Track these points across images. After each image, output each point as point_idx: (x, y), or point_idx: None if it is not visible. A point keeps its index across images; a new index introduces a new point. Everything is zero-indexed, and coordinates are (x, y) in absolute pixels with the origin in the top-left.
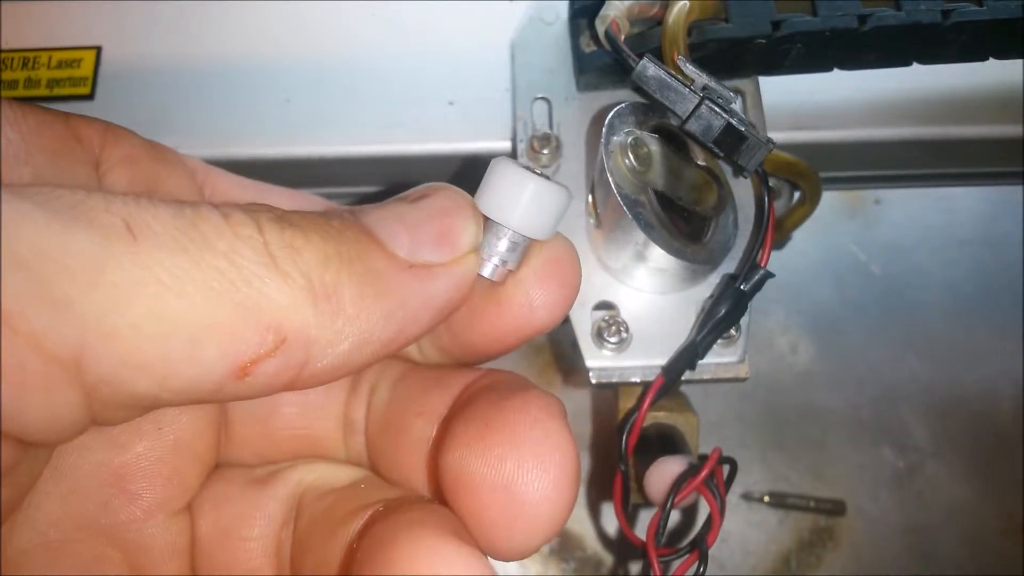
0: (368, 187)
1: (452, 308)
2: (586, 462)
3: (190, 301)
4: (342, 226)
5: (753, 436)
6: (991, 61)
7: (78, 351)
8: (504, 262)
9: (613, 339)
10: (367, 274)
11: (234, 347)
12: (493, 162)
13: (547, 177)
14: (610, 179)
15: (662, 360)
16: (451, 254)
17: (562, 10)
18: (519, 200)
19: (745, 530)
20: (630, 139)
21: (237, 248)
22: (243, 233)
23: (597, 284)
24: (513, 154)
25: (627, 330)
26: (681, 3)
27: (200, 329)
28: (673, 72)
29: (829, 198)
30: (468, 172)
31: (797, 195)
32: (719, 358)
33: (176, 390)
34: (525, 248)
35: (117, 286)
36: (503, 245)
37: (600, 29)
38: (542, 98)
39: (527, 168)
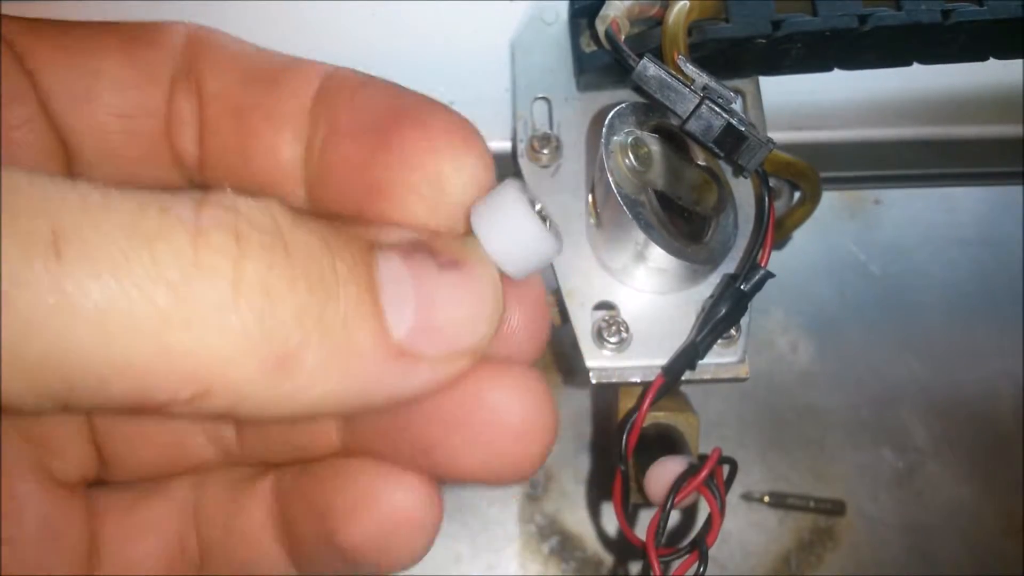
0: None
1: (419, 399)
2: (586, 462)
3: (106, 338)
4: (347, 275)
5: (753, 436)
6: (991, 61)
7: None
8: None
9: (613, 339)
10: (345, 349)
11: (144, 392)
12: (506, 183)
13: (547, 218)
14: (610, 179)
15: (662, 360)
16: (449, 352)
17: (562, 10)
18: (507, 227)
19: (745, 530)
20: (630, 139)
21: (193, 282)
22: (208, 263)
23: (597, 284)
24: (513, 154)
25: (627, 330)
26: (681, 3)
27: (109, 369)
28: (673, 72)
29: (829, 198)
30: None
31: (797, 195)
32: (719, 358)
33: (82, 408)
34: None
35: (26, 313)
36: None
37: (600, 29)
38: (542, 98)
39: (533, 202)
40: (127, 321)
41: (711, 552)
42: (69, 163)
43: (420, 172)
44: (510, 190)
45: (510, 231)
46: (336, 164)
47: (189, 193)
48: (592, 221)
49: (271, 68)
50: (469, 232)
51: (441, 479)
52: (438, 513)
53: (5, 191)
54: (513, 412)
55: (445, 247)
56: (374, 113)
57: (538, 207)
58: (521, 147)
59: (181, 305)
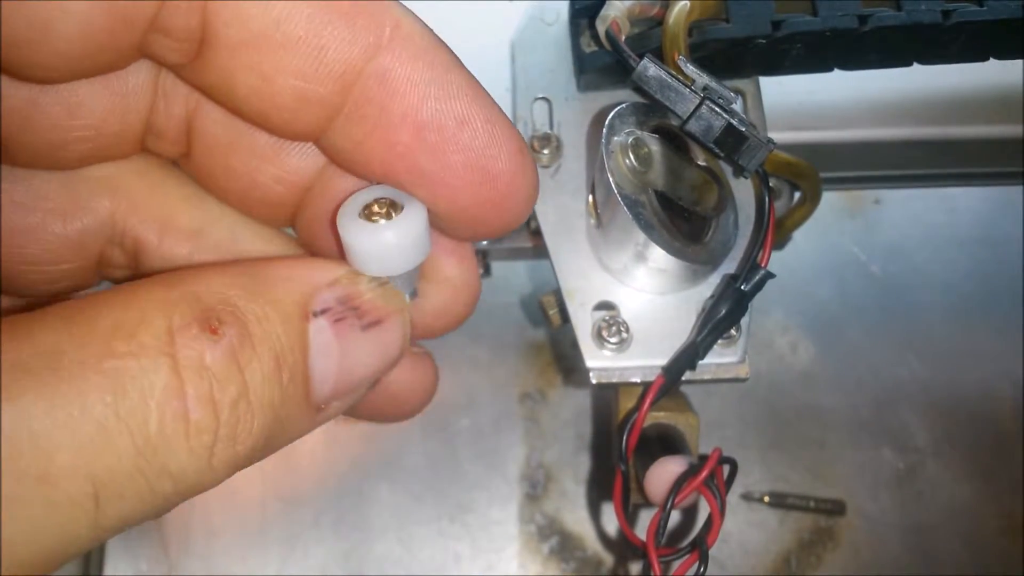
0: None
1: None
2: (586, 462)
3: (120, 528)
4: (289, 381)
5: (753, 436)
6: (991, 61)
7: None
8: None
9: (613, 339)
10: (273, 420)
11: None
12: (338, 222)
13: (391, 211)
14: (610, 179)
15: (662, 360)
16: (357, 391)
17: (562, 10)
18: (369, 253)
19: (745, 530)
20: (630, 139)
21: (186, 470)
22: (197, 447)
23: (597, 284)
24: None
25: (627, 330)
26: (681, 3)
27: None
28: (673, 72)
29: (829, 198)
30: None
31: (797, 195)
32: (719, 358)
33: None
34: (413, 276)
35: (76, 549)
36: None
37: (601, 29)
38: (542, 98)
39: (364, 219)
40: (139, 519)
41: (711, 552)
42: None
43: (470, 211)
44: (342, 225)
45: (369, 254)
46: (378, 168)
47: (157, 357)
48: (592, 221)
49: (311, 27)
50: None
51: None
52: None
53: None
54: (404, 384)
55: (370, 305)
56: (440, 142)
57: (374, 207)
58: None
59: (179, 488)
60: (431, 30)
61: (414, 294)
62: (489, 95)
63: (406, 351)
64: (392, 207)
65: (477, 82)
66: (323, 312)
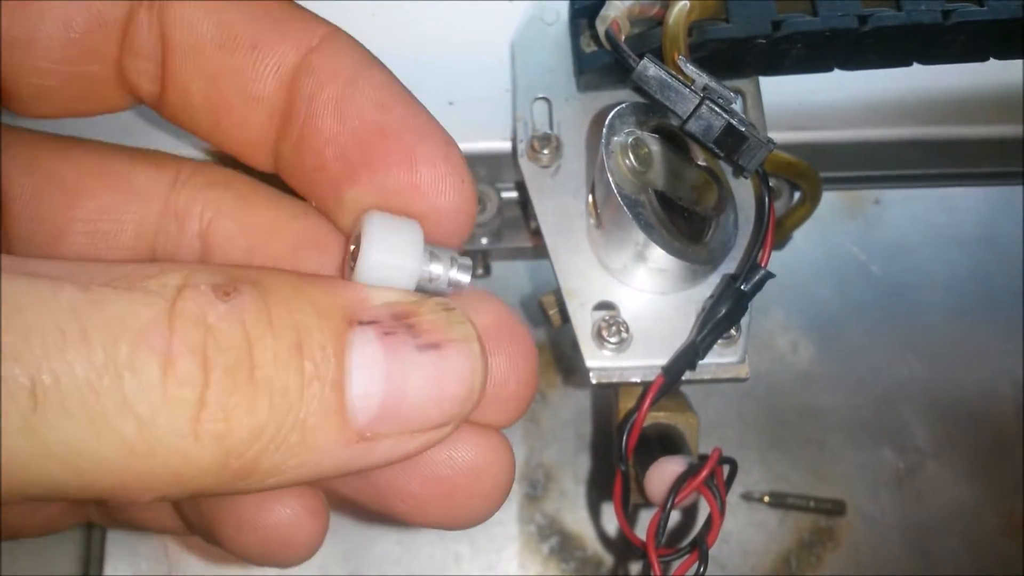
0: None
1: (381, 469)
2: (586, 462)
3: (76, 472)
4: (313, 374)
5: (753, 436)
6: (991, 61)
7: None
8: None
9: (613, 339)
10: (304, 447)
11: (109, 497)
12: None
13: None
14: (610, 179)
15: (662, 360)
16: (412, 430)
17: (562, 10)
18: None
19: (745, 530)
20: (630, 139)
21: (159, 415)
22: (174, 395)
23: (597, 284)
24: (513, 154)
25: (627, 330)
26: (681, 3)
27: (77, 489)
28: (673, 72)
29: (829, 198)
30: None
31: (797, 195)
32: (719, 358)
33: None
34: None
35: (11, 457)
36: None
37: (600, 29)
38: (542, 98)
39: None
40: (97, 456)
41: (711, 552)
42: None
43: (398, 199)
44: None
45: (384, 266)
46: (312, 160)
47: (158, 298)
48: (592, 221)
49: (251, 24)
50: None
51: (387, 516)
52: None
53: None
54: (473, 468)
55: (429, 324)
56: (361, 127)
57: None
58: (521, 147)
59: (147, 437)
60: (356, 40)
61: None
62: (408, 91)
63: (477, 397)
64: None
65: (398, 80)
66: (371, 323)
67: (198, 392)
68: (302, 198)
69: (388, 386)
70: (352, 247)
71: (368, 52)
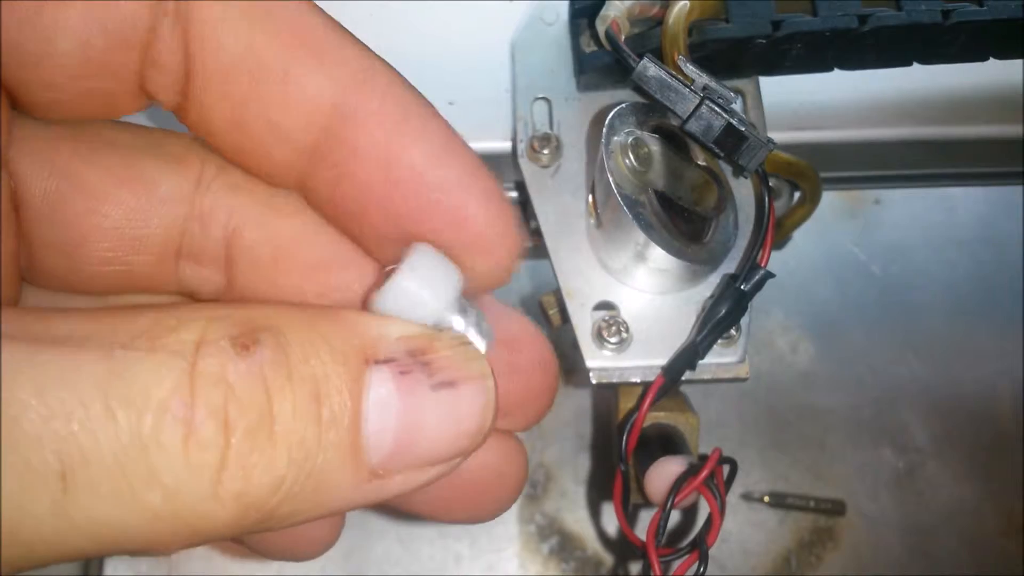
0: None
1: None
2: (586, 462)
3: (101, 546)
4: (331, 420)
5: (753, 436)
6: (991, 61)
7: None
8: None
9: (613, 339)
10: (317, 492)
11: (133, 554)
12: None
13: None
14: (610, 179)
15: (662, 360)
16: (424, 465)
17: (562, 10)
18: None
19: (745, 530)
20: (630, 139)
21: (182, 484)
22: (197, 461)
23: (597, 284)
24: (513, 154)
25: (627, 330)
26: (681, 3)
27: (101, 554)
28: (673, 72)
29: (829, 198)
30: None
31: (797, 195)
32: (719, 358)
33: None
34: (475, 314)
35: (29, 537)
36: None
37: (600, 29)
38: (542, 98)
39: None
40: (121, 526)
41: (711, 552)
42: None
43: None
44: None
45: (416, 301)
46: (350, 205)
47: (180, 359)
48: (592, 221)
49: (285, 56)
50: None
51: (407, 512)
52: None
53: (6, 423)
54: (496, 472)
55: (445, 361)
56: (409, 180)
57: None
58: (521, 147)
59: (171, 503)
60: (402, 76)
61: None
62: (461, 138)
63: (488, 430)
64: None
65: (449, 125)
66: (387, 362)
67: (220, 455)
68: None
69: (402, 425)
70: (387, 269)
71: (414, 90)
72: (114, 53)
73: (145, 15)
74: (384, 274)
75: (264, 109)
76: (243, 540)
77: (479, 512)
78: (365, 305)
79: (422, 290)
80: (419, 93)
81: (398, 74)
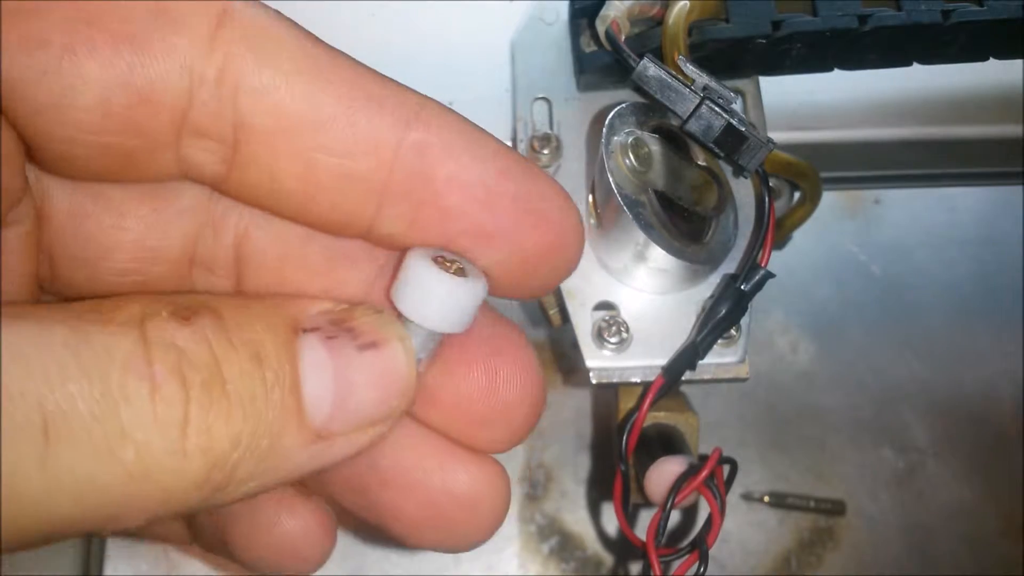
0: None
1: (336, 466)
2: (586, 462)
3: (81, 504)
4: (273, 381)
5: (753, 436)
6: (991, 61)
7: None
8: (418, 359)
9: (613, 339)
10: (272, 452)
11: (104, 525)
12: (408, 257)
13: (462, 272)
14: (610, 179)
15: (662, 360)
16: (362, 426)
17: (562, 10)
18: (426, 296)
19: (745, 530)
20: (630, 139)
21: (152, 437)
22: (163, 416)
23: (597, 284)
24: None
25: (627, 330)
26: (681, 3)
27: (79, 519)
28: (673, 72)
29: (829, 198)
30: None
31: (797, 195)
32: (719, 358)
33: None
34: (438, 343)
35: (12, 491)
36: (416, 342)
37: (600, 29)
38: (542, 98)
39: (437, 259)
40: (100, 484)
41: (711, 552)
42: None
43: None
44: (413, 261)
45: (430, 298)
46: (434, 236)
47: (130, 327)
48: (592, 221)
49: (348, 106)
50: (386, 305)
51: (386, 535)
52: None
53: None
54: (469, 496)
55: (365, 326)
56: (490, 198)
57: (445, 259)
58: (521, 147)
59: (143, 459)
60: (453, 110)
61: (424, 368)
62: (518, 152)
63: (413, 389)
64: (460, 271)
65: (503, 142)
66: (314, 330)
67: (182, 410)
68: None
69: (337, 385)
70: (434, 255)
71: (464, 118)
72: (137, 111)
73: (174, 79)
74: (431, 252)
75: (334, 155)
76: (236, 558)
77: (451, 539)
78: (388, 297)
79: (459, 311)
80: (467, 120)
81: (447, 108)
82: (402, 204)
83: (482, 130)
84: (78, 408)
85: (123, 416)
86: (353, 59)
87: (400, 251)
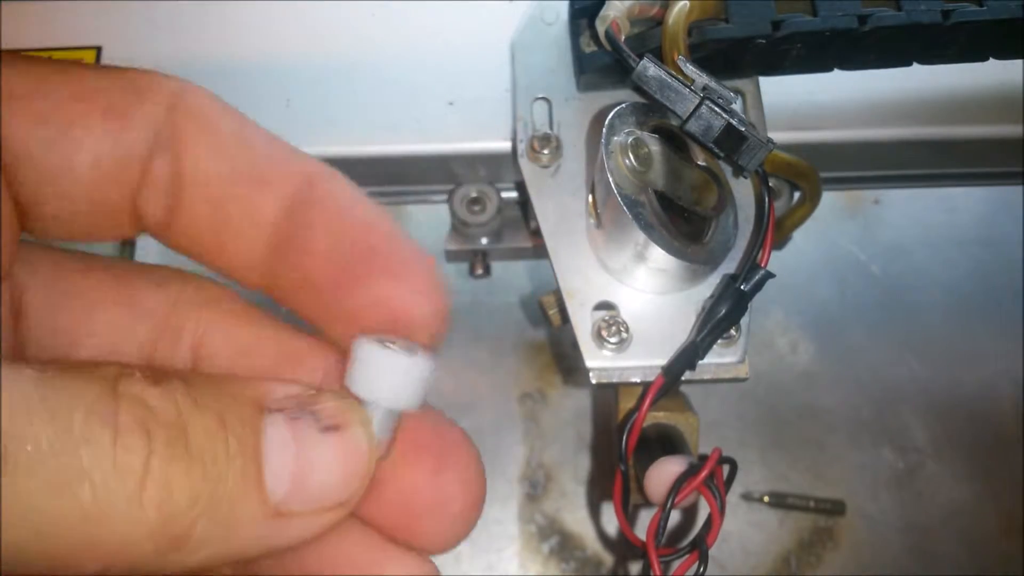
0: (369, 187)
1: (293, 548)
2: (586, 462)
3: (36, 536)
4: (236, 449)
5: (753, 436)
6: (991, 61)
7: None
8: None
9: (613, 339)
10: (228, 520)
11: (55, 570)
12: (358, 344)
13: (409, 349)
14: (610, 179)
15: (662, 360)
16: (320, 508)
17: (562, 10)
18: (381, 379)
19: (745, 530)
20: (630, 139)
21: (110, 481)
22: (123, 463)
23: (597, 284)
24: (513, 154)
25: (627, 330)
26: (681, 3)
27: (32, 556)
28: (673, 72)
29: (829, 198)
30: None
31: (797, 195)
32: (719, 358)
33: None
34: (396, 423)
35: None
36: (375, 424)
37: (600, 29)
38: (542, 98)
39: (384, 343)
40: (57, 518)
41: (711, 552)
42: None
43: (382, 311)
44: (363, 346)
45: (384, 376)
46: (300, 278)
47: (102, 381)
48: (592, 221)
49: (256, 163)
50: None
51: None
52: None
53: None
54: None
55: (329, 410)
56: (349, 246)
57: (390, 342)
58: (521, 147)
59: (100, 502)
60: (344, 176)
61: (386, 449)
62: (387, 213)
63: (372, 473)
64: (407, 349)
65: (381, 206)
66: (279, 410)
67: (143, 460)
68: (287, 312)
69: (299, 464)
70: (377, 340)
71: (354, 186)
72: (120, 166)
73: (145, 140)
74: (374, 338)
75: (245, 206)
76: None
77: (432, 530)
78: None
79: (411, 387)
80: (357, 188)
81: (339, 174)
82: (295, 250)
83: (363, 195)
84: (40, 443)
85: (83, 455)
86: (267, 132)
87: (348, 347)
